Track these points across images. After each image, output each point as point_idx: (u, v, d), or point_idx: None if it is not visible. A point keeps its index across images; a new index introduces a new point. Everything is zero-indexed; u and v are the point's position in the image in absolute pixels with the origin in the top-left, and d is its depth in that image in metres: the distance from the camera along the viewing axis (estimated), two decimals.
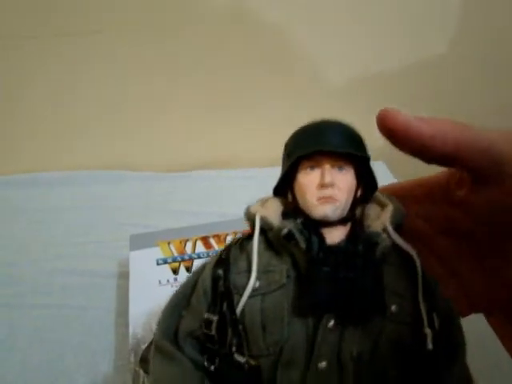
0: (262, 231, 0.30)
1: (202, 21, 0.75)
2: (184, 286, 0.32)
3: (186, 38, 0.76)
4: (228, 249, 0.31)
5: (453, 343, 0.29)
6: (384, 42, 0.80)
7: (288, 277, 0.29)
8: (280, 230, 0.29)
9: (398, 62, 0.82)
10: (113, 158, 0.86)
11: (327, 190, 0.29)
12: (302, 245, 0.28)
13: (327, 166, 0.29)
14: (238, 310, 0.29)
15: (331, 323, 0.27)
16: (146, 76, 0.80)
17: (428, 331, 0.27)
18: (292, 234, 0.28)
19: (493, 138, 0.27)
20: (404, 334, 0.28)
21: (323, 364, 0.28)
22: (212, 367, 0.29)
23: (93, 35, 0.74)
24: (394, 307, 0.28)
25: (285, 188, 0.31)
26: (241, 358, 0.28)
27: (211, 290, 0.30)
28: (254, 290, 0.29)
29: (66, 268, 0.68)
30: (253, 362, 0.29)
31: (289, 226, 0.29)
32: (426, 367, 0.28)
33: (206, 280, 0.30)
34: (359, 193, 0.31)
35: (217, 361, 0.29)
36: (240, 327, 0.28)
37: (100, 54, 0.77)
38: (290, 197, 0.31)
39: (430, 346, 0.27)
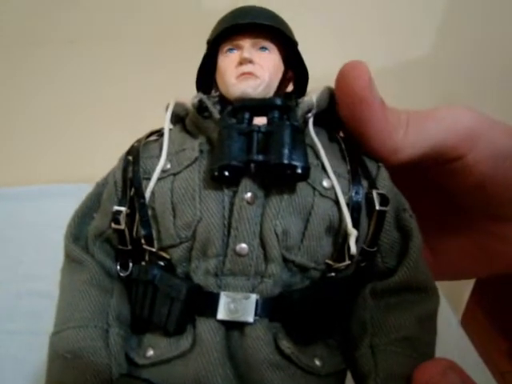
0: (181, 120, 0.29)
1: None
2: (97, 186, 0.29)
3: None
4: (141, 139, 0.29)
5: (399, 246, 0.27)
6: (370, 39, 0.78)
7: (201, 151, 0.26)
8: (193, 104, 0.27)
9: (383, 60, 0.80)
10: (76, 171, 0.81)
11: (246, 66, 0.27)
12: (216, 115, 0.26)
13: (246, 45, 0.28)
14: (147, 193, 0.26)
15: (248, 194, 0.25)
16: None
17: (354, 232, 0.25)
18: (205, 107, 0.27)
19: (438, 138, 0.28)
20: (335, 216, 0.26)
21: (243, 246, 0.25)
22: (125, 274, 0.27)
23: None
24: (326, 182, 0.26)
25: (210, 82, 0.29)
26: (152, 248, 0.26)
27: (121, 181, 0.27)
28: (165, 171, 0.26)
29: (34, 290, 0.62)
30: (164, 255, 0.26)
31: (201, 96, 0.27)
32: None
33: (117, 171, 0.28)
34: (289, 75, 0.29)
35: (130, 266, 0.27)
36: (149, 213, 0.26)
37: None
38: (213, 90, 0.29)
39: (353, 249, 0.25)
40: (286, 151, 0.24)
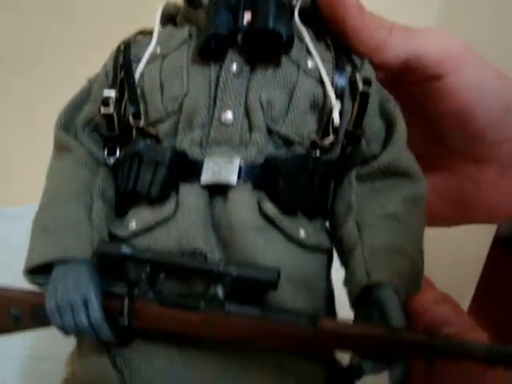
0: (172, 20, 0.30)
1: None
2: (88, 82, 0.30)
3: None
4: (132, 35, 0.30)
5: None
6: None
7: (190, 36, 0.27)
8: None
9: None
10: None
11: None
12: (205, 1, 0.27)
13: None
14: (137, 74, 0.27)
15: (234, 67, 0.25)
16: None
17: (337, 104, 0.26)
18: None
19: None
20: (319, 93, 0.26)
21: (228, 115, 0.25)
22: (111, 159, 0.28)
23: None
24: (310, 62, 0.27)
25: None
26: (139, 123, 0.26)
27: (112, 67, 0.28)
28: (154, 55, 0.27)
29: None
30: (151, 130, 0.26)
31: None
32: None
33: (108, 62, 0.29)
34: None
35: (117, 152, 0.28)
36: (138, 92, 0.26)
37: None
38: None
39: (336, 120, 0.26)
40: (271, 19, 0.25)
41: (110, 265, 0.26)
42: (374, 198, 0.27)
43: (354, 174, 0.28)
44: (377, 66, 0.29)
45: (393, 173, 0.27)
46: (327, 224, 0.29)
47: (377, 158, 0.28)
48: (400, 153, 0.28)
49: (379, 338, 0.23)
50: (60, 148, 0.29)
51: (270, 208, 0.25)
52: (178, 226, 0.25)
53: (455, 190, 0.35)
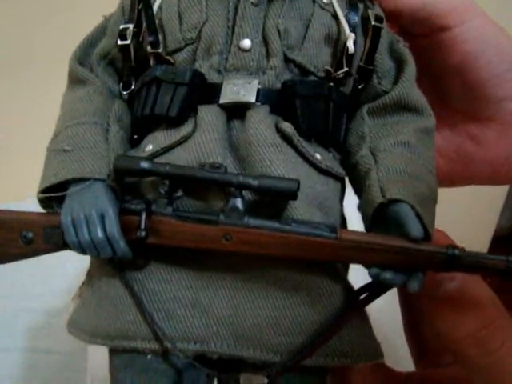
0: None
1: None
2: (104, 20, 0.30)
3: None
4: None
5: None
6: None
7: None
8: None
9: None
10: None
11: None
12: None
13: None
14: (155, 6, 0.27)
15: None
16: None
17: (351, 34, 0.27)
18: None
19: None
20: (334, 27, 0.27)
21: (246, 42, 0.26)
22: (126, 94, 0.28)
23: None
24: None
25: None
26: (157, 50, 0.27)
27: (130, 3, 0.28)
28: None
29: (32, 307, 0.60)
30: (169, 59, 0.27)
31: None
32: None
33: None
34: None
35: (132, 84, 0.28)
36: (156, 22, 0.27)
37: None
38: None
39: (351, 48, 0.27)
40: None
41: (127, 184, 0.26)
42: (386, 130, 0.28)
43: (365, 108, 0.29)
44: (388, 13, 0.31)
45: (403, 107, 0.28)
46: (340, 158, 0.29)
47: (388, 93, 0.29)
48: (410, 89, 0.28)
49: (399, 248, 0.23)
50: (74, 81, 0.29)
51: (287, 127, 0.25)
52: (196, 144, 0.25)
53: (456, 149, 0.36)
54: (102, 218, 0.24)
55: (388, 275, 0.23)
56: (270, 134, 0.25)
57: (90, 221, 0.24)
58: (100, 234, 0.24)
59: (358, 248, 0.23)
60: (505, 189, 0.82)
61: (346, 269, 0.28)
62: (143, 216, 0.24)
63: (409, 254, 0.23)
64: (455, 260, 0.23)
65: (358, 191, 0.27)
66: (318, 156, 0.26)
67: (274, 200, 0.24)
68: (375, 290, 0.26)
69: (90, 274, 0.28)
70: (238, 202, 0.24)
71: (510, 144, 0.35)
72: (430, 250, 0.23)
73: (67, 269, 0.66)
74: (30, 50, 0.74)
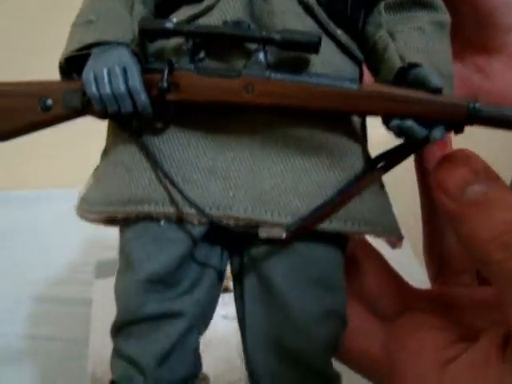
0: None
1: None
2: None
3: None
4: None
5: None
6: None
7: None
8: None
9: None
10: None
11: None
12: None
13: None
14: None
15: None
16: None
17: None
18: None
19: None
20: None
21: None
22: None
23: None
24: None
25: None
26: None
27: None
28: None
29: (33, 294, 0.60)
30: None
31: None
32: None
33: None
34: None
35: None
36: None
37: None
38: None
39: None
40: None
41: (150, 51, 0.26)
42: (402, 22, 0.28)
43: (382, 4, 0.28)
44: None
45: (419, 3, 0.28)
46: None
47: None
48: None
49: (420, 99, 0.23)
50: None
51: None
52: (220, 11, 0.25)
53: (463, 80, 0.35)
54: (125, 71, 0.24)
55: (409, 123, 0.23)
56: (293, 3, 0.25)
57: (112, 73, 0.24)
58: (122, 85, 0.24)
59: (379, 98, 0.24)
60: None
61: (366, 139, 0.28)
62: (166, 71, 0.24)
63: (429, 105, 0.23)
64: (476, 112, 0.23)
65: (377, 70, 0.28)
66: (339, 31, 0.26)
67: (295, 58, 0.25)
68: (394, 155, 0.25)
69: (105, 150, 0.28)
70: (261, 56, 0.24)
71: None
72: (451, 101, 0.23)
73: (71, 257, 0.66)
74: (36, 46, 0.77)
